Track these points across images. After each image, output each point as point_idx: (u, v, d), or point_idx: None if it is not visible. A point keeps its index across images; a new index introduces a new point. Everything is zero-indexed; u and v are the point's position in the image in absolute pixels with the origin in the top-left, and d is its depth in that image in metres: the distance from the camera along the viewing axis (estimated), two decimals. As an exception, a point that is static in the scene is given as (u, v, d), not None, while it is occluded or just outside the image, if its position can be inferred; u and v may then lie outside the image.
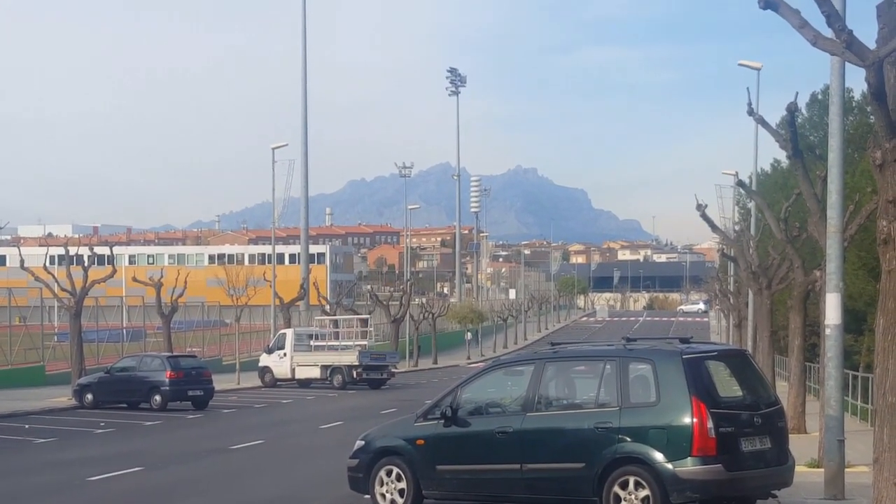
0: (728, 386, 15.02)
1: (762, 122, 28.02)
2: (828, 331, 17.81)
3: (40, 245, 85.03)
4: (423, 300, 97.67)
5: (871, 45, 12.56)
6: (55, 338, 61.14)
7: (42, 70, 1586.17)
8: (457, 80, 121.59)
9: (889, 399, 12.50)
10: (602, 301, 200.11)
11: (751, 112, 28.72)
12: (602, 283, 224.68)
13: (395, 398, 44.36)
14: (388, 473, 15.98)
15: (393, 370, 59.75)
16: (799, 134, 24.79)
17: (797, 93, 24.27)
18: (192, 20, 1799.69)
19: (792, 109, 23.57)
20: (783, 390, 27.66)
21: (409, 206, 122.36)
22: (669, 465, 13.73)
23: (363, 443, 16.73)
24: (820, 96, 44.86)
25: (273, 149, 70.03)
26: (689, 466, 13.70)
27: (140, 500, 19.05)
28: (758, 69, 41.03)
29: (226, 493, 19.21)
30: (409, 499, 15.77)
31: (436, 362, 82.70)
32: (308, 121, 74.86)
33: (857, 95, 29.95)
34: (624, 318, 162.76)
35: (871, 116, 15.34)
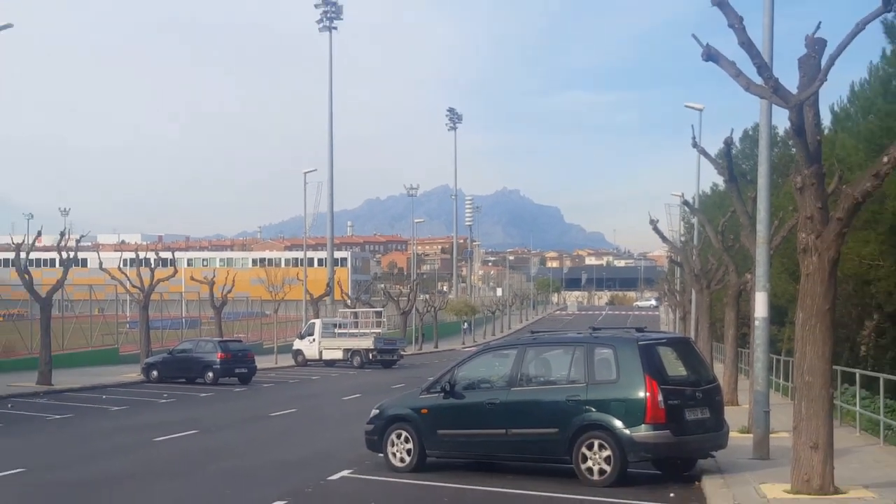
0: (675, 367, 15.33)
1: (704, 152, 28.34)
2: (756, 322, 18.13)
3: (115, 250, 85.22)
4: (427, 296, 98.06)
5: (794, 90, 13.02)
6: (127, 325, 61.77)
7: (119, 105, 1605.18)
8: (454, 117, 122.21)
9: (806, 378, 12.88)
10: (572, 298, 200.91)
11: (694, 145, 28.88)
12: (572, 283, 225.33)
13: (403, 376, 44.19)
14: (398, 436, 16.22)
15: (402, 353, 59.87)
16: (734, 163, 25.00)
17: (732, 129, 24.74)
18: (243, 67, 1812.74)
19: (728, 143, 23.97)
20: (720, 371, 27.55)
21: (416, 220, 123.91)
22: (627, 431, 14.13)
23: (378, 411, 16.96)
24: (751, 132, 44.85)
25: (305, 173, 70.62)
26: (642, 432, 14.10)
27: (198, 456, 18.97)
28: (700, 110, 41.17)
29: (266, 452, 19.20)
30: (415, 457, 15.97)
31: (436, 347, 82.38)
32: (333, 151, 75.06)
33: (781, 131, 30.15)
34: (590, 312, 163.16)
35: (793, 149, 15.63)
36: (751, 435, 17.61)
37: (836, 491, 12.68)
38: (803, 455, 13.03)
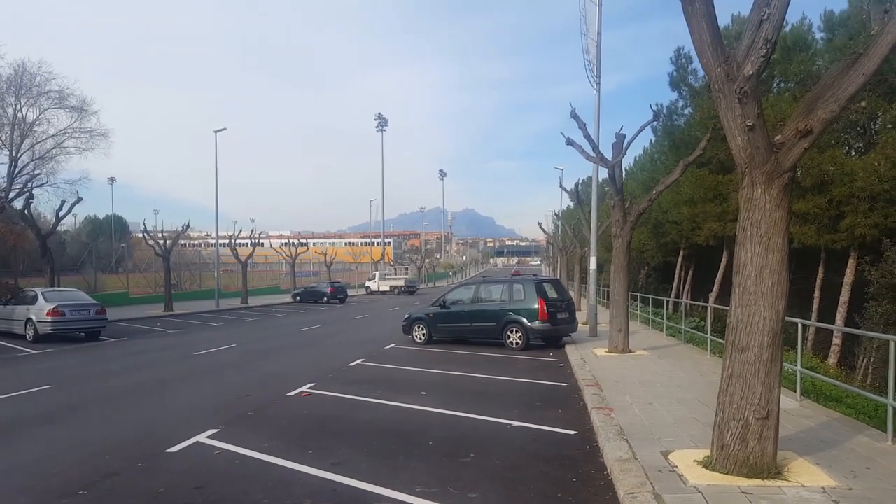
0: (552, 293, 15.75)
1: (564, 189, 29.71)
2: (591, 271, 18.43)
3: (276, 239, 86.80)
4: (429, 260, 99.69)
5: (610, 159, 14.39)
6: (283, 276, 62.12)
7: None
8: (443, 175, 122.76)
9: (616, 297, 14.02)
10: (499, 261, 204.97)
11: (560, 185, 30.57)
12: (499, 253, 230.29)
13: (419, 299, 44.30)
14: (419, 328, 16.79)
15: (417, 288, 60.74)
16: (580, 192, 26.51)
17: (579, 178, 26.26)
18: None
19: (577, 184, 25.32)
20: (573, 295, 28.32)
21: (424, 223, 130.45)
22: (529, 324, 14.91)
23: (408, 316, 17.44)
24: (586, 179, 47.65)
25: (370, 201, 75.19)
26: (537, 324, 14.89)
27: (319, 337, 19.23)
28: (562, 169, 42.36)
29: (351, 336, 19.51)
30: (427, 337, 16.51)
31: (435, 284, 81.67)
32: (384, 192, 75.72)
33: (601, 178, 32.20)
34: (507, 268, 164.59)
35: (607, 187, 16.75)
36: (587, 325, 18.00)
37: (630, 351, 13.61)
38: (614, 334, 14.12)
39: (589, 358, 13.11)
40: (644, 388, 9.69)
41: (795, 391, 8.74)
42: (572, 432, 7.28)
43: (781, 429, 5.51)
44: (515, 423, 7.68)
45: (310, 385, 10.45)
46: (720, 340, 14.65)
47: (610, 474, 5.72)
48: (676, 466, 5.65)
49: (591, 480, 5.62)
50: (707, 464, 5.55)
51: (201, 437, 7.04)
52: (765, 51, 4.72)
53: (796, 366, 8.71)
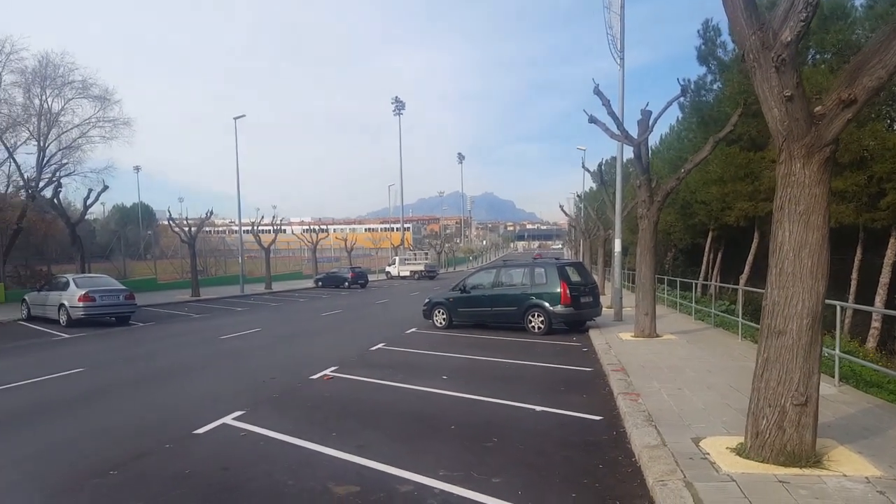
0: (574, 276, 15.57)
1: (588, 170, 29.21)
2: (616, 254, 18.23)
3: (297, 225, 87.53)
4: (449, 245, 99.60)
5: (636, 137, 14.02)
6: (305, 262, 62.63)
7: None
8: (461, 158, 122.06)
9: (642, 281, 13.83)
10: (519, 245, 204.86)
11: (583, 166, 30.10)
12: (519, 237, 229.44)
13: (439, 284, 44.28)
14: (439, 312, 16.68)
15: (437, 272, 60.76)
16: (603, 173, 26.09)
17: (603, 158, 25.83)
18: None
19: (600, 164, 24.79)
20: (600, 281, 28.20)
21: (443, 207, 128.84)
22: (551, 308, 14.69)
23: (428, 300, 17.32)
24: (608, 160, 47.08)
25: (389, 186, 74.38)
26: (559, 308, 14.66)
27: (341, 322, 19.29)
28: (584, 150, 41.60)
29: (373, 319, 19.59)
30: (448, 322, 16.39)
31: (455, 269, 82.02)
32: (402, 175, 75.66)
33: (625, 159, 31.70)
34: (528, 251, 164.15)
35: (631, 167, 16.39)
36: (612, 309, 17.86)
37: (657, 335, 13.32)
38: (640, 318, 13.84)
39: (614, 342, 12.88)
40: (672, 373, 9.46)
41: (834, 376, 8.43)
42: (598, 418, 7.12)
43: (820, 415, 5.25)
44: (539, 409, 7.54)
45: (332, 368, 10.44)
46: (752, 324, 14.30)
47: (638, 461, 5.55)
48: (708, 454, 5.46)
49: (619, 467, 5.47)
50: (741, 451, 5.34)
51: (227, 420, 7.06)
52: (805, 14, 4.44)
53: (834, 350, 8.38)
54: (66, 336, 16.06)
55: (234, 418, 7.13)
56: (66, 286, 18.16)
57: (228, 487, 5.02)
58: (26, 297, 19.98)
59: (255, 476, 5.24)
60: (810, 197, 4.98)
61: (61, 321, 17.90)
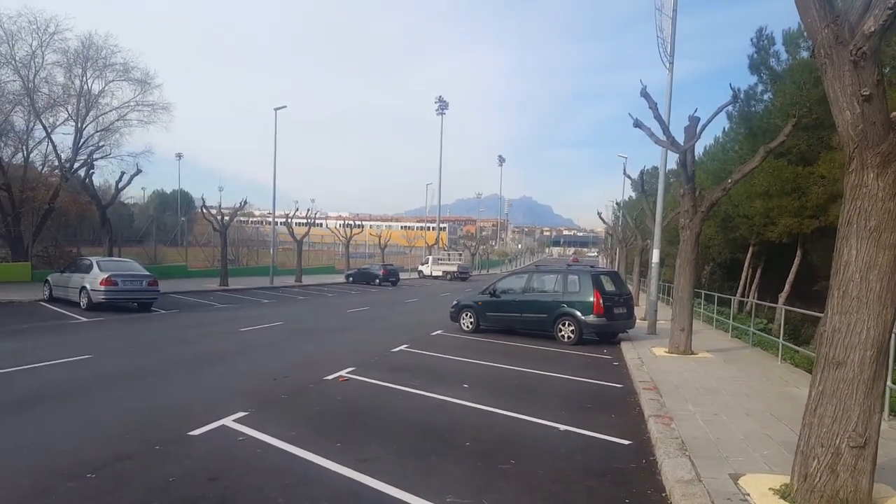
0: (609, 285, 15.17)
1: (629, 177, 28.68)
2: (653, 265, 17.79)
3: (334, 219, 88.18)
4: (483, 247, 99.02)
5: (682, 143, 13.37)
6: (339, 256, 62.55)
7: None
8: (502, 161, 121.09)
9: (680, 294, 13.27)
10: (554, 251, 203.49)
11: (624, 173, 29.32)
12: (555, 243, 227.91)
13: (471, 285, 43.63)
14: (466, 315, 16.46)
15: (470, 274, 60.38)
16: (644, 181, 25.28)
17: (644, 166, 25.17)
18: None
19: (642, 172, 24.19)
20: (634, 292, 27.75)
21: (480, 209, 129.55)
22: (583, 317, 14.33)
23: (456, 302, 17.12)
24: (648, 169, 45.73)
25: (427, 185, 74.88)
26: (591, 318, 14.30)
27: (369, 320, 19.06)
28: (626, 157, 40.67)
29: (401, 319, 19.47)
30: (475, 326, 16.18)
31: (488, 271, 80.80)
32: (441, 176, 75.47)
33: (670, 165, 30.86)
34: (563, 258, 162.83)
35: (679, 174, 15.78)
36: (646, 322, 17.42)
37: (693, 353, 12.84)
38: (675, 333, 13.34)
39: (647, 358, 12.30)
40: (708, 396, 8.84)
41: (884, 410, 7.70)
42: (626, 442, 6.57)
43: (876, 457, 4.63)
44: (563, 427, 7.02)
45: (349, 370, 10.07)
46: (793, 346, 13.48)
47: (669, 497, 5.00)
48: (749, 495, 4.89)
49: (647, 502, 4.91)
50: (785, 494, 4.79)
51: (228, 421, 6.69)
52: (893, 2, 3.84)
53: (886, 381, 7.62)
54: (84, 320, 15.98)
55: (236, 420, 6.76)
56: (89, 269, 18.12)
57: (209, 501, 4.57)
58: (49, 278, 20.04)
59: (244, 490, 4.81)
60: (883, 212, 4.38)
61: (82, 304, 17.87)
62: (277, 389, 8.47)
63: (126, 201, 51.07)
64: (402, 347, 12.99)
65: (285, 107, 34.74)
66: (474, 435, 6.57)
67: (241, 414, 7.00)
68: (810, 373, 11.55)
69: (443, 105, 77.19)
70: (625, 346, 13.91)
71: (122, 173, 25.49)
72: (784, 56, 24.16)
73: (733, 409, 8.02)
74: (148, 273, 19.11)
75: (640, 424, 7.33)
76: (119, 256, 24.89)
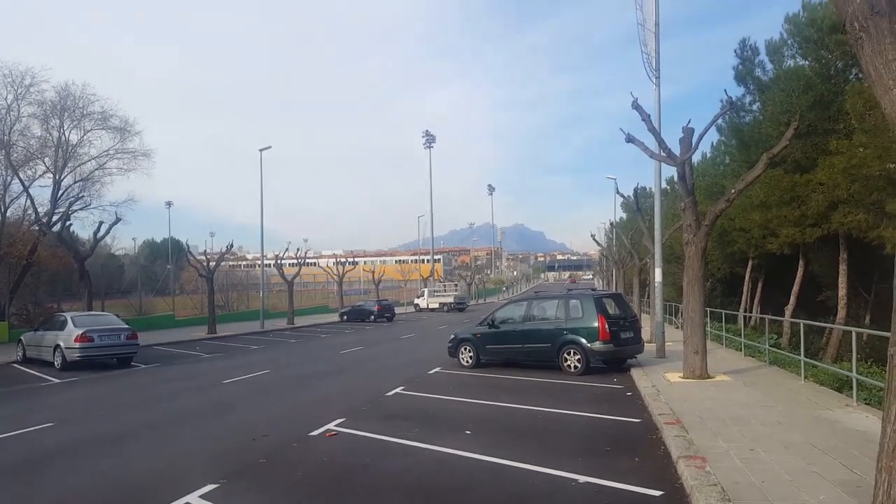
0: (613, 308, 14.42)
1: (622, 195, 28.00)
2: (656, 284, 17.09)
3: (325, 257, 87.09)
4: (479, 276, 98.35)
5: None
6: (332, 295, 60.42)
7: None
8: (492, 190, 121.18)
9: (690, 314, 12.34)
10: (549, 276, 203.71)
11: (617, 191, 28.73)
12: (550, 268, 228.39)
13: (468, 316, 42.63)
14: (465, 349, 15.63)
15: (467, 304, 59.61)
16: (637, 199, 24.67)
17: (637, 184, 24.52)
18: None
19: (635, 190, 23.51)
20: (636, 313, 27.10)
21: (473, 239, 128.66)
22: (588, 344, 13.46)
23: (454, 336, 16.33)
24: (640, 189, 45.38)
25: (418, 217, 74.68)
26: (597, 345, 13.46)
27: (359, 362, 18.24)
28: (614, 178, 40.10)
29: (396, 358, 18.57)
30: (475, 360, 15.35)
31: (485, 300, 79.64)
32: (433, 208, 75.13)
33: (663, 183, 30.33)
34: (559, 283, 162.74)
35: (663, 195, 15.03)
36: (654, 345, 16.58)
37: (709, 376, 11.93)
38: (689, 356, 12.39)
39: (661, 385, 11.41)
40: (738, 427, 7.90)
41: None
42: (657, 493, 5.62)
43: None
44: (581, 479, 6.07)
45: (338, 422, 9.10)
46: (815, 363, 12.61)
47: (725, 570, 4.04)
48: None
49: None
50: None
51: (192, 498, 5.72)
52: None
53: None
54: (56, 381, 14.89)
55: (202, 496, 5.79)
56: (63, 325, 17.06)
57: None
58: (22, 338, 18.91)
59: None
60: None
61: (56, 364, 16.74)
62: (255, 452, 7.48)
63: (116, 252, 50.01)
64: (398, 390, 12.09)
65: (270, 147, 34.13)
66: (479, 496, 5.64)
67: (209, 488, 6.03)
68: (838, 392, 10.73)
69: (430, 139, 77.12)
70: (636, 374, 13.03)
71: (101, 223, 24.61)
72: (769, 66, 23.87)
73: (770, 442, 7.09)
74: (126, 326, 18.04)
75: (668, 468, 6.39)
76: (104, 310, 23.86)
